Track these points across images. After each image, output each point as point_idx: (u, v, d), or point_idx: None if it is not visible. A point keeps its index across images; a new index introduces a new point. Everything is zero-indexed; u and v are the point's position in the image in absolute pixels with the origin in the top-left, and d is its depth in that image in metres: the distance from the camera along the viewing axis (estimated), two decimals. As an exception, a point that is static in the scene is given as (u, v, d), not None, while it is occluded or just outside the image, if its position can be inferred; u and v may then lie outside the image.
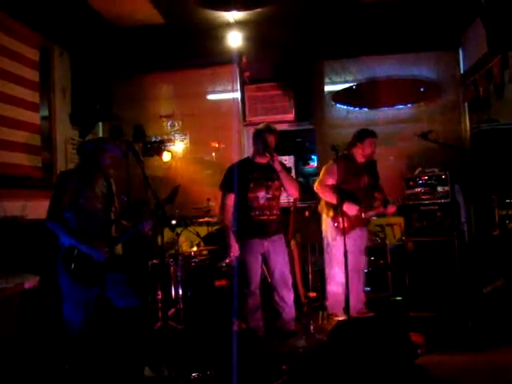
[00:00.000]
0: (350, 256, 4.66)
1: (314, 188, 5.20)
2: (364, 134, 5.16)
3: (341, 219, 4.92)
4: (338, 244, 5.01)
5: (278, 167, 4.47)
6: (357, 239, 5.11)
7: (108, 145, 3.89)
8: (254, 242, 4.59)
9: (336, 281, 5.15)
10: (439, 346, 4.32)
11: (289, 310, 4.68)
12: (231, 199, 4.61)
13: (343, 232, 4.50)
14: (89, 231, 3.66)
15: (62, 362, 3.77)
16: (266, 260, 4.67)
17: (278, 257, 4.65)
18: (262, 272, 4.77)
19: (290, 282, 4.71)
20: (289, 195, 4.88)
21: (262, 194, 4.58)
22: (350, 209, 5.01)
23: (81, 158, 3.89)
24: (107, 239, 3.74)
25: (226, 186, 4.67)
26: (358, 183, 5.15)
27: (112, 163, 3.87)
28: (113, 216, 3.92)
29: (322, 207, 5.34)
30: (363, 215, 5.09)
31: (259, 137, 4.59)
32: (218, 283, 5.38)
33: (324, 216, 5.31)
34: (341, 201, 4.75)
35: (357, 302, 5.07)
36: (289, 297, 4.67)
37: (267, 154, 4.46)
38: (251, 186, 4.58)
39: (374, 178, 5.34)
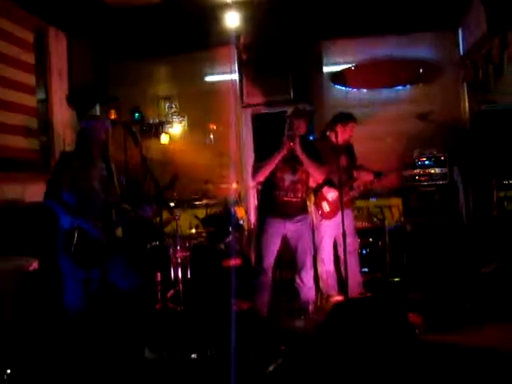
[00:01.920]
0: (338, 236, 4.69)
1: None
2: (346, 118, 5.08)
3: (323, 203, 4.98)
4: (324, 227, 5.07)
5: (298, 153, 4.42)
6: (344, 219, 5.05)
7: (94, 121, 3.96)
8: (275, 222, 4.58)
9: (325, 263, 5.15)
10: (437, 327, 4.35)
11: (307, 290, 4.69)
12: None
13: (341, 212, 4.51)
14: (88, 212, 3.69)
15: (61, 343, 3.81)
16: (288, 240, 4.68)
17: (300, 238, 4.62)
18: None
19: (310, 264, 4.71)
20: (314, 179, 4.80)
21: (287, 176, 4.55)
22: (329, 192, 4.99)
23: (78, 140, 3.96)
24: (107, 221, 3.76)
25: (259, 156, 4.68)
26: (337, 164, 4.98)
27: (104, 138, 3.90)
28: (112, 199, 3.93)
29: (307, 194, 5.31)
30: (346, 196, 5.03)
31: (288, 120, 4.55)
32: (220, 263, 5.39)
33: (308, 202, 5.22)
34: (320, 185, 4.78)
35: (354, 283, 5.07)
36: (307, 279, 4.68)
37: (288, 140, 4.39)
38: (279, 164, 4.56)
39: (352, 159, 5.28)
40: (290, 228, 4.61)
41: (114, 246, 3.80)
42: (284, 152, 4.40)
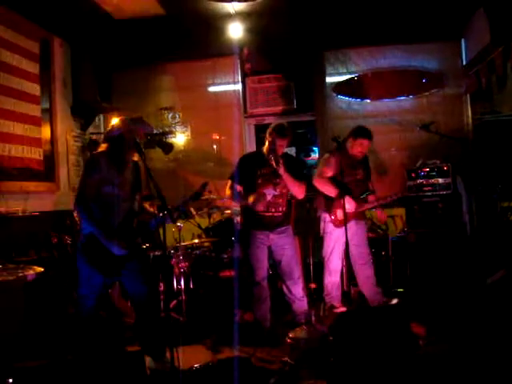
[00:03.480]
0: (351, 248, 4.67)
1: (313, 182, 5.06)
2: (358, 133, 5.04)
3: (337, 212, 4.94)
4: (334, 236, 5.02)
5: (281, 172, 4.44)
6: (356, 231, 5.02)
7: (134, 124, 3.91)
8: (259, 234, 4.59)
9: (332, 274, 5.10)
10: (441, 337, 4.32)
11: (299, 302, 4.68)
12: (239, 188, 4.62)
13: (344, 223, 4.51)
14: (112, 220, 3.71)
15: (63, 352, 3.83)
16: (272, 252, 4.67)
17: (283, 249, 4.64)
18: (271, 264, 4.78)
19: (297, 274, 4.70)
20: (294, 196, 4.79)
21: (269, 191, 4.56)
22: (350, 203, 4.94)
23: (109, 143, 3.85)
24: (129, 231, 3.80)
25: (235, 178, 4.66)
26: (355, 176, 5.08)
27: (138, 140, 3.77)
28: (137, 206, 3.93)
29: (318, 202, 5.28)
30: (361, 208, 5.05)
31: (270, 137, 4.54)
32: (222, 274, 5.37)
33: (320, 211, 5.23)
34: (341, 194, 4.73)
35: (373, 294, 5.02)
36: (296, 289, 4.67)
37: (271, 157, 4.41)
38: (259, 181, 4.57)
39: (367, 171, 5.29)
40: (273, 239, 4.61)
41: (132, 252, 3.81)
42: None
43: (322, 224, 5.13)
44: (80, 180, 3.85)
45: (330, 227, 5.06)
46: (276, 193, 4.58)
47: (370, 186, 5.29)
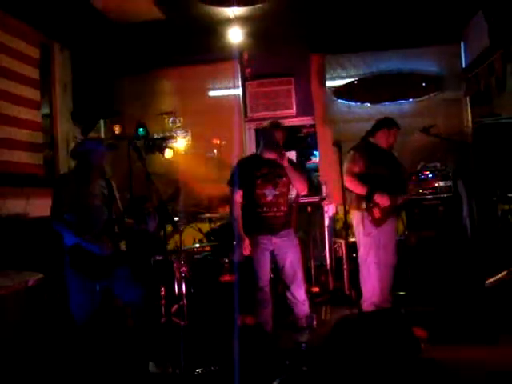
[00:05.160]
0: (383, 250, 4.63)
1: (344, 182, 4.80)
2: (391, 123, 5.02)
3: (375, 211, 4.79)
4: (374, 238, 4.82)
5: (285, 164, 4.46)
6: (391, 232, 4.87)
7: (92, 144, 4.04)
8: (261, 239, 4.57)
9: (372, 276, 4.84)
10: (442, 341, 4.31)
11: (301, 306, 4.66)
12: (239, 196, 4.60)
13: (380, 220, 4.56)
14: (92, 229, 3.76)
15: (65, 358, 3.83)
16: (275, 256, 4.66)
17: (286, 253, 4.62)
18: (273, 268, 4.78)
19: (300, 278, 4.68)
20: (297, 191, 4.79)
21: (269, 191, 4.55)
22: (382, 199, 4.77)
23: (76, 160, 4.05)
24: (111, 235, 3.84)
25: (233, 183, 4.65)
26: (389, 168, 4.90)
27: (103, 160, 4.00)
28: (114, 215, 3.99)
29: (351, 204, 5.03)
30: (399, 201, 4.89)
31: (267, 134, 4.60)
32: (223, 278, 5.37)
33: (354, 212, 5.01)
34: (371, 191, 4.67)
35: (384, 301, 4.85)
36: (299, 293, 4.65)
37: (277, 151, 4.45)
38: (258, 182, 4.56)
39: (399, 164, 5.11)
40: (276, 243, 4.60)
41: (118, 258, 3.87)
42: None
43: (359, 226, 4.91)
44: (52, 199, 3.90)
45: (368, 228, 4.85)
46: (276, 192, 4.58)
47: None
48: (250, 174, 4.59)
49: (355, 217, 4.98)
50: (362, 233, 4.89)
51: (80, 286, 3.73)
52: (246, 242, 4.49)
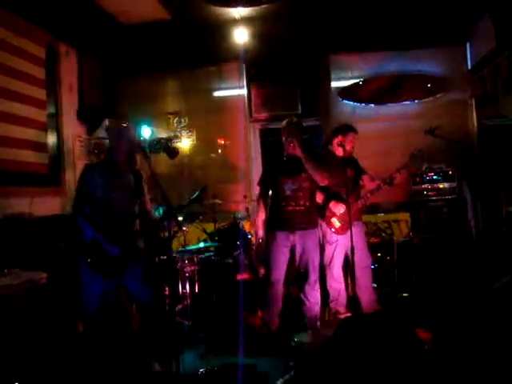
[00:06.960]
0: (357, 254, 4.64)
1: None
2: (346, 129, 5.09)
3: (332, 220, 4.97)
4: (336, 243, 5.00)
5: (299, 154, 4.54)
6: (356, 234, 4.85)
7: (119, 131, 3.98)
8: (281, 235, 4.63)
9: (336, 279, 5.08)
10: (446, 343, 4.30)
11: (311, 306, 4.69)
12: (262, 213, 4.80)
13: (350, 227, 4.50)
14: (110, 223, 3.77)
15: (72, 356, 3.85)
16: (294, 254, 4.70)
17: (303, 252, 4.65)
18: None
19: (314, 279, 4.69)
20: (317, 182, 4.77)
21: (288, 186, 4.64)
22: (337, 207, 4.96)
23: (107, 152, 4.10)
24: (128, 232, 3.85)
25: (262, 183, 4.87)
26: (345, 175, 4.88)
27: (125, 147, 3.93)
28: (137, 210, 4.00)
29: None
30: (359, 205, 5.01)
31: (283, 130, 4.75)
32: (227, 278, 5.37)
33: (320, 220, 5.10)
34: (327, 200, 4.85)
35: (368, 301, 4.99)
36: (311, 294, 4.67)
37: (287, 142, 4.60)
38: (280, 178, 4.68)
39: (357, 170, 5.17)
40: (295, 240, 4.63)
41: (134, 257, 3.86)
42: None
43: (320, 232, 5.00)
44: (75, 190, 3.96)
45: (329, 235, 5.03)
46: (295, 187, 4.63)
47: (360, 182, 5.17)
48: (273, 171, 4.76)
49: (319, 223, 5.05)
50: (326, 239, 5.06)
51: (94, 283, 3.75)
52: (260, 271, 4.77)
